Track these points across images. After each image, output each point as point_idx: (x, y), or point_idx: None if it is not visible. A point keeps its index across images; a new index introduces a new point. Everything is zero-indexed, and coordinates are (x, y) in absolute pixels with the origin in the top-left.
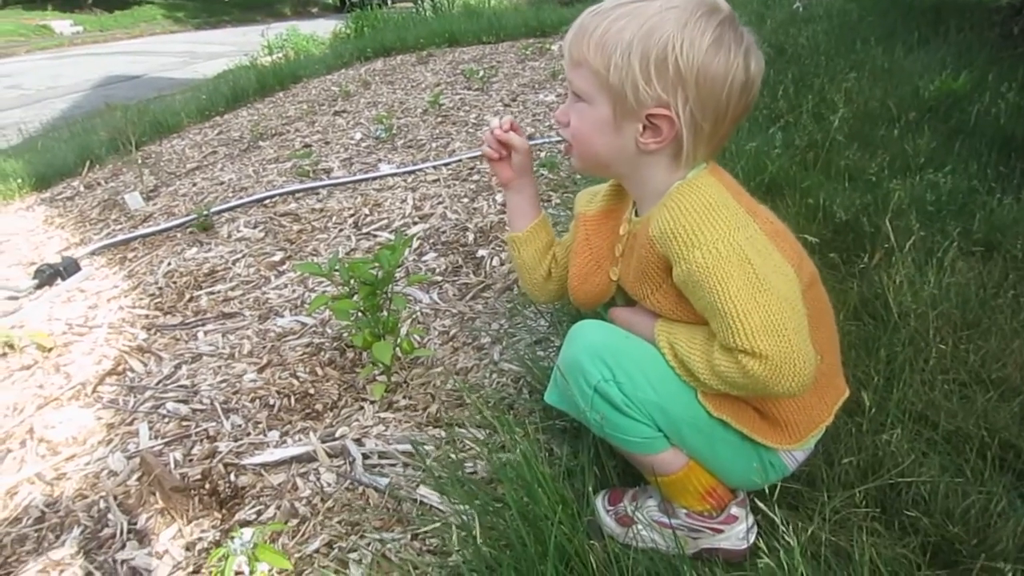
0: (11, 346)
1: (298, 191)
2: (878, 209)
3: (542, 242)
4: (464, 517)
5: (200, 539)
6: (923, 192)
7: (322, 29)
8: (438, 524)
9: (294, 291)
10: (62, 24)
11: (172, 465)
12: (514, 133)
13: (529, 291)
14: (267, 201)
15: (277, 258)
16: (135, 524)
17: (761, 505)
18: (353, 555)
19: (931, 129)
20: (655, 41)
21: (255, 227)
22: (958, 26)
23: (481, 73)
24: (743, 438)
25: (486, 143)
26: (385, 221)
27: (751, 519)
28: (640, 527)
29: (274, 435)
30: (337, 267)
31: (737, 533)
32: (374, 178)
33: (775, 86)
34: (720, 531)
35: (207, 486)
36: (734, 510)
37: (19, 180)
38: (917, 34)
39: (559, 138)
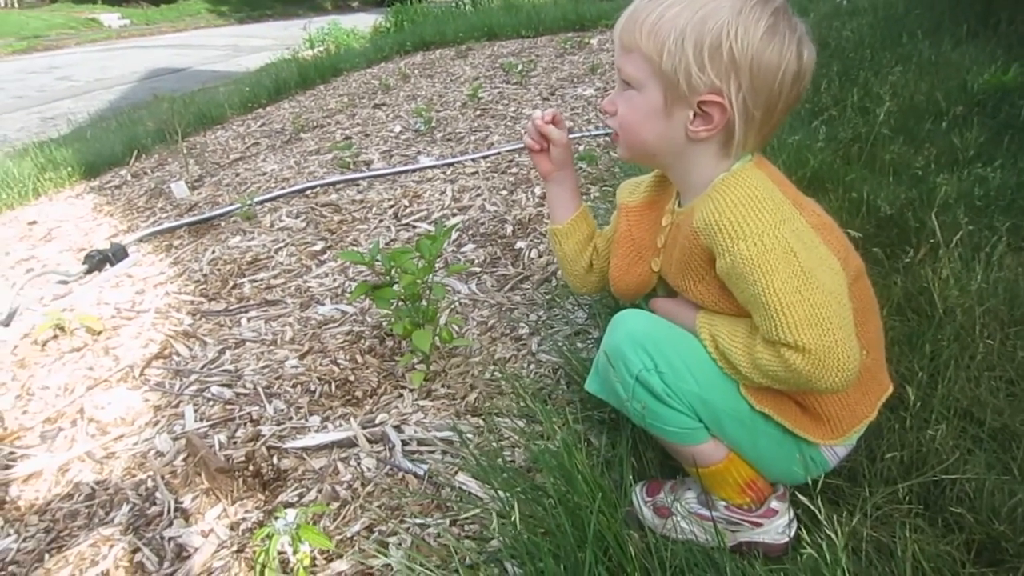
0: (62, 329)
1: (339, 182)
2: (923, 204)
3: (583, 234)
4: (503, 504)
5: (244, 519)
6: (971, 187)
7: (363, 23)
8: (478, 510)
9: (335, 280)
10: (110, 17)
11: (216, 447)
12: (553, 126)
13: (571, 283)
14: (308, 192)
15: (318, 247)
16: (181, 503)
17: (802, 499)
18: (393, 539)
19: (979, 123)
20: (709, 27)
21: (297, 217)
22: (1009, 19)
23: (520, 67)
24: (784, 432)
25: (527, 134)
26: (424, 212)
27: (791, 513)
28: (679, 518)
29: (315, 420)
30: (378, 256)
31: (777, 527)
32: (413, 170)
33: (819, 80)
34: (759, 524)
35: (251, 468)
36: (774, 504)
37: (69, 168)
38: (966, 27)
39: (598, 131)
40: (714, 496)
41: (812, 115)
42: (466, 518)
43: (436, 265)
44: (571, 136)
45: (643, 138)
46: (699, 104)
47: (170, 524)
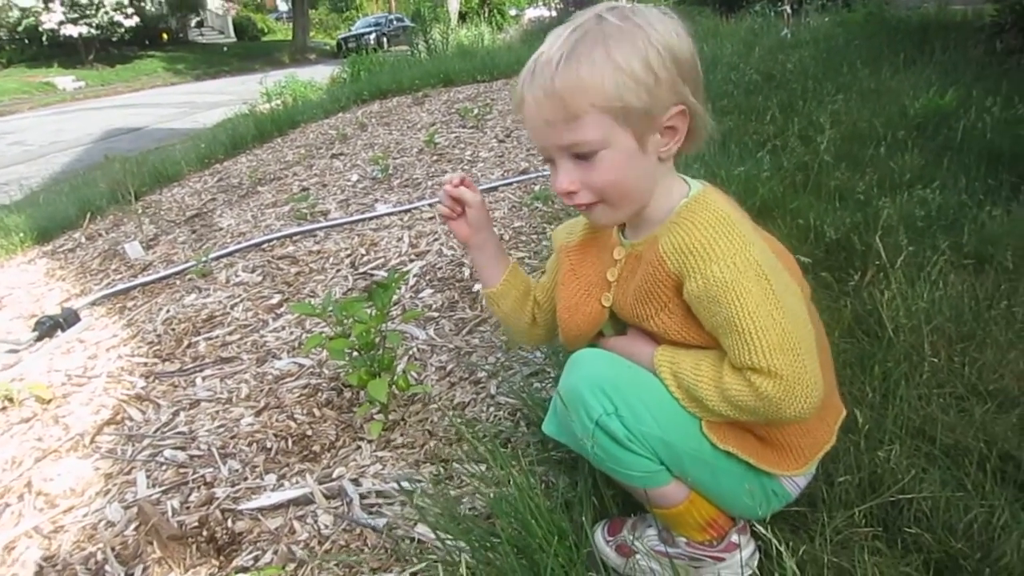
0: (11, 399)
1: (295, 234)
2: (868, 227)
3: (519, 290)
4: (457, 554)
5: None
6: (912, 208)
7: (320, 75)
8: (428, 563)
9: (292, 333)
10: (65, 80)
11: (170, 513)
12: (465, 188)
13: (517, 339)
14: (265, 245)
15: (275, 301)
16: (132, 575)
17: (761, 530)
18: None
19: (919, 147)
20: (642, 46)
21: (253, 271)
22: (943, 46)
23: (476, 111)
24: (747, 468)
25: (440, 202)
26: (382, 260)
27: (752, 546)
28: (640, 557)
29: (271, 478)
30: (331, 307)
31: (739, 561)
32: (371, 218)
33: (763, 111)
34: (722, 559)
35: (204, 533)
36: (734, 537)
37: (21, 234)
38: (903, 55)
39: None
40: (675, 533)
41: (758, 145)
42: (424, 571)
43: (393, 312)
44: (527, 177)
45: (630, 186)
46: (666, 121)
47: None
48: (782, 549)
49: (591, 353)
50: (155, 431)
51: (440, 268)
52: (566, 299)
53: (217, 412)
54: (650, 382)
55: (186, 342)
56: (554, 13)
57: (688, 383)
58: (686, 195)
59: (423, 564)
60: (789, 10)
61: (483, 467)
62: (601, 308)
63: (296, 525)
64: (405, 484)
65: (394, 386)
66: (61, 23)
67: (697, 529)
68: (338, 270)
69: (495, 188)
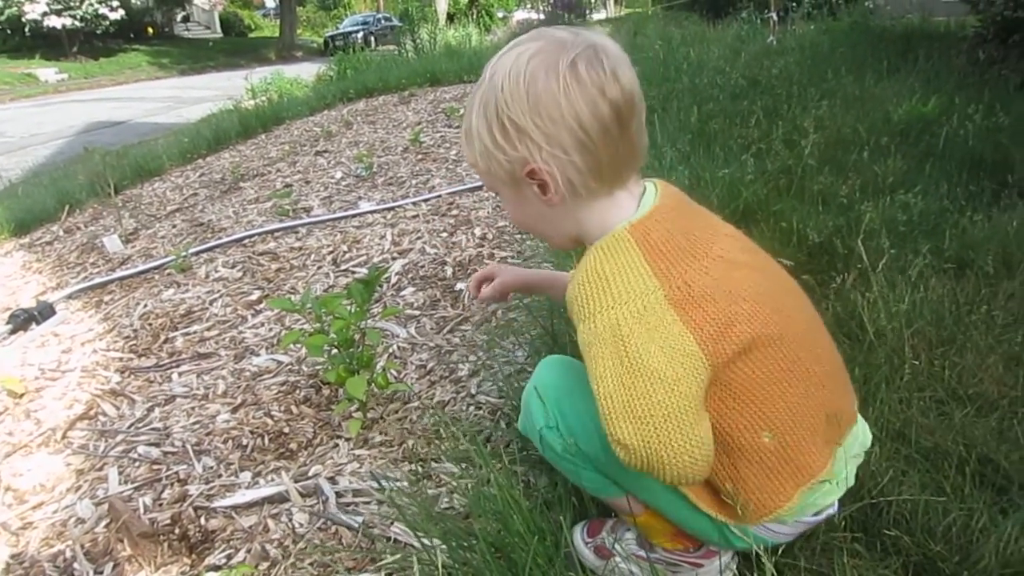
0: None
1: (277, 230)
2: (851, 231)
3: None
4: (436, 553)
5: None
6: (895, 213)
7: (306, 72)
8: (404, 562)
9: (271, 330)
10: (47, 72)
11: (141, 510)
12: (485, 287)
13: None
14: (246, 241)
15: (254, 297)
16: (101, 572)
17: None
18: None
19: (902, 153)
20: (490, 113)
21: (233, 267)
22: (926, 54)
23: (461, 111)
24: (685, 500)
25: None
26: (364, 257)
27: (731, 552)
28: (619, 560)
29: (246, 476)
30: (310, 303)
31: (717, 567)
32: (354, 215)
33: (748, 115)
34: (700, 565)
35: (176, 531)
36: (713, 545)
37: None
38: (887, 63)
39: None
40: (651, 540)
41: (742, 149)
42: (400, 570)
43: (374, 309)
44: None
45: (532, 225)
46: (528, 178)
47: None
48: (761, 553)
49: (553, 362)
50: (129, 427)
51: (422, 266)
52: None
53: (193, 408)
54: (572, 392)
55: (163, 337)
56: (542, 16)
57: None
58: (628, 217)
59: (397, 558)
60: (775, 17)
61: (462, 466)
62: None
63: (270, 523)
64: (383, 482)
65: (373, 384)
66: (44, 14)
67: (667, 538)
68: (319, 267)
69: (480, 188)
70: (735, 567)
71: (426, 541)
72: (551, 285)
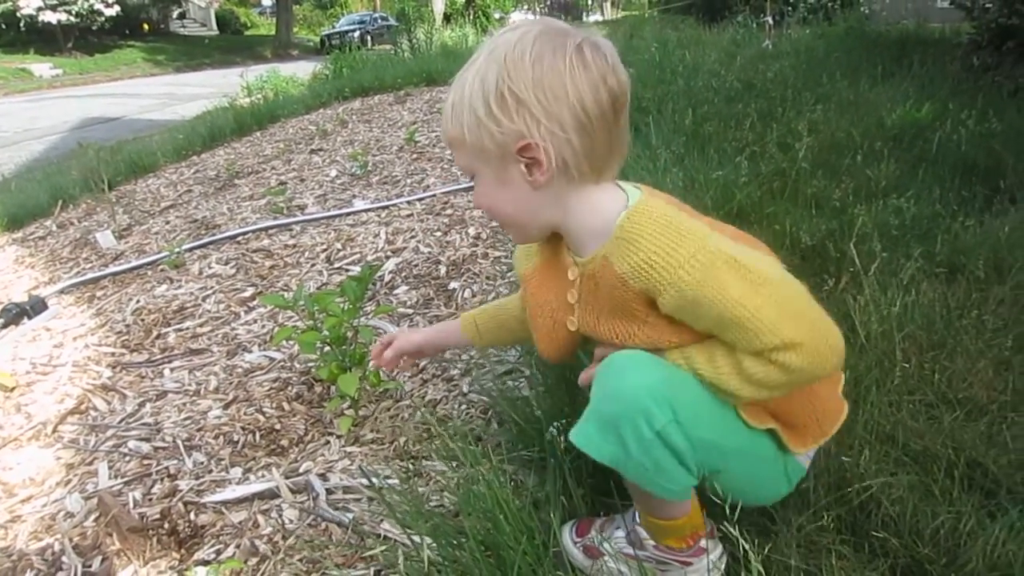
0: None
1: (271, 227)
2: (843, 234)
3: (491, 325)
4: (425, 550)
5: None
6: (887, 217)
7: (302, 71)
8: (387, 555)
9: (264, 327)
10: (42, 67)
11: (131, 505)
12: (392, 354)
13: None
14: (240, 238)
15: (248, 294)
16: (90, 567)
17: (731, 531)
18: None
19: (895, 157)
20: (488, 84)
21: (227, 264)
22: (921, 60)
23: None
24: (776, 449)
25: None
26: (358, 255)
27: (719, 548)
28: (608, 559)
29: (237, 472)
30: (303, 300)
31: (706, 565)
32: (348, 214)
33: (743, 118)
34: (689, 563)
35: (166, 526)
36: (703, 542)
37: None
38: (881, 68)
39: None
40: (657, 541)
41: (736, 151)
42: (390, 569)
43: (367, 307)
44: None
45: (507, 213)
46: (519, 155)
47: None
48: (749, 551)
49: (638, 357)
50: (120, 422)
51: (416, 265)
52: (539, 330)
53: (184, 404)
54: (690, 380)
55: (155, 333)
56: (539, 16)
57: (710, 378)
58: (625, 205)
59: (384, 551)
60: (771, 21)
61: (453, 464)
62: (570, 333)
63: (260, 519)
64: (373, 480)
65: (365, 382)
66: (40, 9)
67: (682, 539)
68: (313, 264)
69: (472, 187)
70: (723, 565)
71: (415, 538)
72: (442, 335)
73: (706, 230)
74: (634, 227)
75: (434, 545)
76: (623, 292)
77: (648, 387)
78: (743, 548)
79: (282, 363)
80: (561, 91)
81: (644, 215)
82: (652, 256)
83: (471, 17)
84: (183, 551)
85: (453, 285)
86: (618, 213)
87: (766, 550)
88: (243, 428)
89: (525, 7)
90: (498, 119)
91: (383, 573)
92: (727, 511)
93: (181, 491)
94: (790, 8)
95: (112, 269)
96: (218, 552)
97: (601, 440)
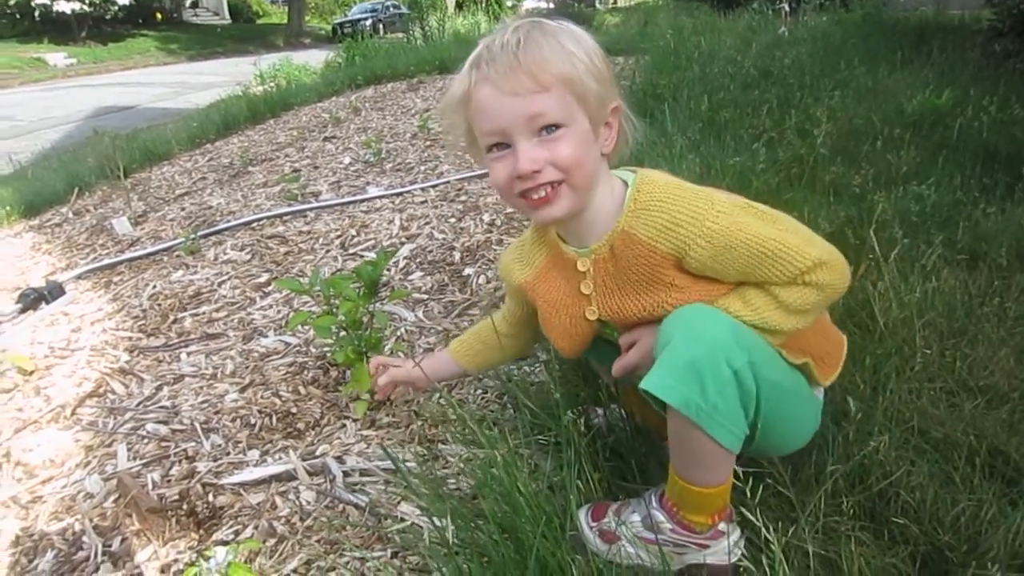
0: None
1: (285, 214)
2: (863, 221)
3: (479, 352)
4: (447, 532)
5: (176, 560)
6: (907, 204)
7: (315, 59)
8: (406, 536)
9: (279, 311)
10: (56, 56)
11: (150, 486)
12: (386, 381)
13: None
14: (255, 224)
15: (263, 279)
16: (110, 546)
17: (748, 516)
18: (332, 574)
19: (915, 144)
20: (589, 51)
21: (242, 250)
22: (940, 47)
23: None
24: (807, 387)
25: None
26: (372, 241)
27: (737, 532)
28: (624, 543)
29: (254, 454)
30: (318, 284)
31: (724, 548)
32: (362, 200)
33: (760, 105)
34: (706, 546)
35: (184, 507)
36: (721, 525)
37: (8, 207)
38: (900, 54)
39: None
40: (677, 516)
41: (753, 138)
42: (408, 550)
43: (382, 293)
44: None
45: (589, 169)
46: (612, 114)
47: (96, 569)
48: (769, 536)
49: (702, 308)
50: (137, 404)
51: (431, 251)
52: (555, 329)
53: (201, 388)
54: (744, 326)
55: (172, 318)
56: (551, 4)
57: (752, 319)
58: (626, 185)
59: (404, 527)
60: (787, 8)
61: (469, 449)
62: (589, 323)
63: (278, 500)
64: (395, 461)
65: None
66: None
67: (710, 515)
68: (328, 251)
69: (487, 174)
70: (743, 546)
71: (436, 520)
72: (440, 368)
73: (709, 188)
74: (650, 195)
75: (452, 528)
76: (650, 259)
77: (727, 329)
78: (763, 533)
79: (298, 347)
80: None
81: (653, 184)
82: (677, 215)
83: (483, 5)
84: (202, 531)
85: (468, 271)
86: (623, 192)
87: (788, 534)
88: (260, 411)
89: None
90: (604, 80)
91: (401, 554)
92: (748, 494)
93: (199, 473)
94: None
95: (128, 255)
96: (236, 533)
97: (676, 383)
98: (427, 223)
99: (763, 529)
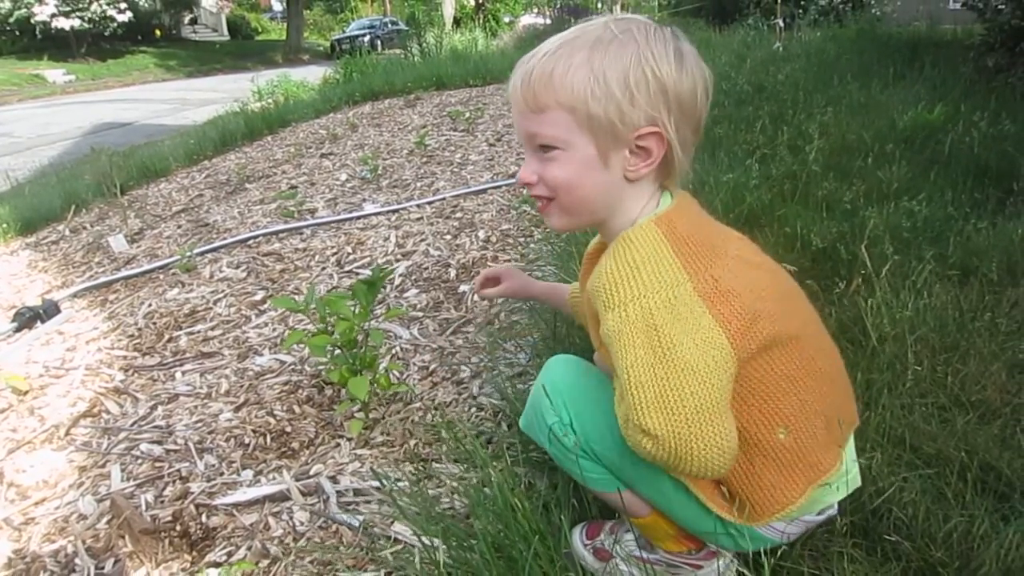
0: None
1: (282, 231)
2: (855, 237)
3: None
4: (434, 552)
5: None
6: (899, 219)
7: (312, 75)
8: (399, 557)
9: (274, 330)
10: (55, 73)
11: (143, 507)
12: (489, 287)
13: None
14: (251, 242)
15: (259, 297)
16: (102, 568)
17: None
18: None
19: (907, 159)
20: (626, 62)
21: (238, 267)
22: (932, 62)
23: (467, 115)
24: (701, 504)
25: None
26: (368, 259)
27: (731, 554)
28: (618, 562)
29: (248, 474)
30: (314, 303)
31: (716, 569)
32: (358, 217)
33: (753, 121)
34: (699, 567)
35: (178, 528)
36: (713, 546)
37: (4, 225)
38: (893, 70)
39: None
40: (652, 543)
41: (747, 154)
42: (400, 571)
43: (377, 310)
44: (516, 181)
45: (583, 194)
46: (636, 139)
47: None
48: (761, 558)
49: (562, 360)
50: (132, 424)
51: (426, 268)
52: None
53: (196, 407)
54: (606, 399)
55: (167, 336)
56: (549, 21)
57: (616, 413)
58: (654, 210)
59: (397, 551)
60: (781, 24)
61: (463, 467)
62: None
63: (271, 521)
64: (384, 482)
65: (375, 384)
66: (53, 15)
67: (672, 541)
68: (324, 268)
69: (484, 191)
70: (735, 569)
71: (426, 540)
72: (552, 294)
73: (669, 281)
74: (614, 248)
75: (445, 548)
76: (589, 305)
77: (549, 385)
78: (753, 553)
79: (293, 366)
80: (691, 90)
81: (628, 240)
82: (602, 284)
83: (480, 21)
84: (195, 553)
85: (463, 288)
86: (637, 223)
87: (778, 554)
88: (254, 431)
89: (535, 10)
90: (635, 98)
91: (393, 575)
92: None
93: (193, 493)
94: (801, 10)
95: (124, 273)
96: (229, 554)
97: (527, 425)
98: (423, 240)
99: (755, 548)
